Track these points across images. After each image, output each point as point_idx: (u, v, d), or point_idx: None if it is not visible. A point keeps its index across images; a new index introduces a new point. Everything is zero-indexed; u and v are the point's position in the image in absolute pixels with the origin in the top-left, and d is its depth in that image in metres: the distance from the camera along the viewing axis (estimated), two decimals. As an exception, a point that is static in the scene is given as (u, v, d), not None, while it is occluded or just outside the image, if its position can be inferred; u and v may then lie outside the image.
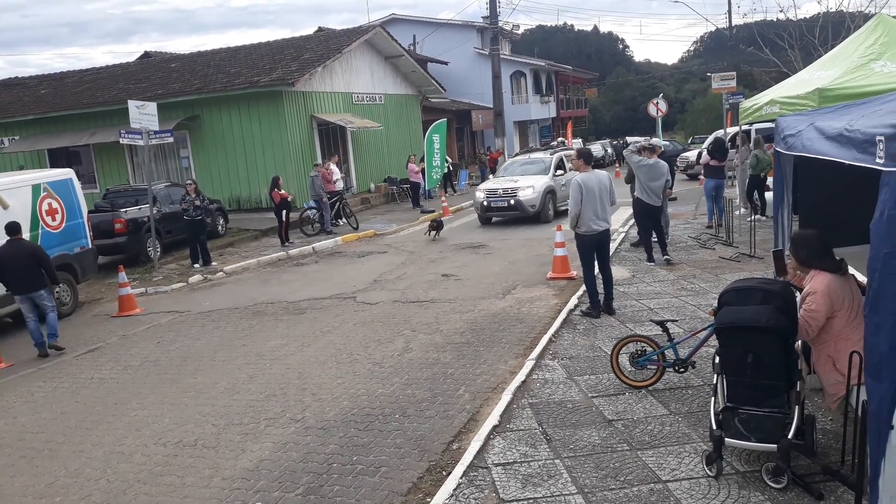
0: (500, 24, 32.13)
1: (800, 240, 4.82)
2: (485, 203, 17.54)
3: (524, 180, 17.43)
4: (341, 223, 19.23)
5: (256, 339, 9.24)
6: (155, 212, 15.20)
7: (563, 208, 16.77)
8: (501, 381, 6.82)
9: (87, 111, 23.07)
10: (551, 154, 18.98)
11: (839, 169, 3.73)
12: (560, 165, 18.51)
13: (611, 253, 9.40)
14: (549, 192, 17.52)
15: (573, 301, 9.30)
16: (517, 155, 20.98)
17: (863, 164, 3.29)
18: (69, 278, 12.13)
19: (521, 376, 6.68)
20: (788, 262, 5.18)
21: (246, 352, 8.72)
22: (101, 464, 5.88)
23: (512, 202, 17.04)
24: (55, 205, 11.93)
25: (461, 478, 4.85)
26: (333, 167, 19.76)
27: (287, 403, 6.79)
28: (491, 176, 19.04)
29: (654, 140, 23.60)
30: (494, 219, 17.91)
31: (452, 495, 4.65)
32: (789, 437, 4.23)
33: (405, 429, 5.91)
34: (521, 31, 61.57)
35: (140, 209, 15.71)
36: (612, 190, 8.58)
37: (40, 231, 11.51)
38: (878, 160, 3.10)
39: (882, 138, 3.06)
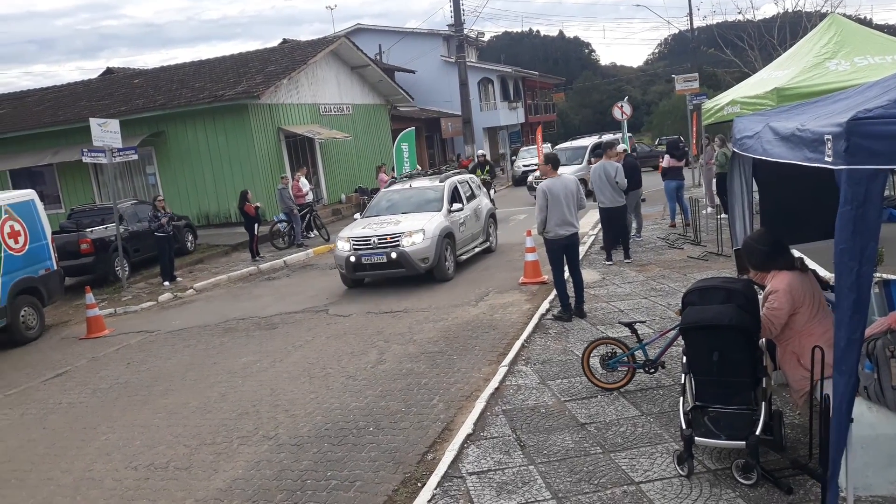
0: (466, 31, 32.30)
1: (749, 248, 4.84)
2: (352, 259, 11.85)
3: (409, 221, 12.15)
4: (312, 235, 19.13)
5: (228, 357, 9.14)
6: (122, 230, 15.00)
7: (464, 257, 13.12)
8: (475, 388, 6.82)
9: (49, 130, 22.69)
10: (441, 181, 13.55)
11: (799, 165, 3.80)
12: (456, 196, 13.35)
13: (581, 256, 9.48)
14: (447, 237, 12.28)
15: (545, 305, 9.34)
16: (393, 183, 14.98)
17: (814, 164, 3.36)
18: (34, 301, 11.90)
19: (494, 383, 6.68)
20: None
21: (217, 370, 8.63)
22: (71, 491, 5.77)
23: (393, 255, 11.62)
24: (17, 227, 11.69)
25: (436, 488, 4.84)
26: (303, 180, 19.67)
27: (260, 421, 6.72)
28: (358, 216, 14.01)
29: (606, 137, 23.85)
30: (367, 279, 12.65)
31: (427, 506, 4.64)
32: (757, 433, 4.29)
33: (379, 441, 5.89)
34: (486, 38, 61.86)
35: (106, 228, 15.47)
36: (579, 194, 8.66)
37: (2, 254, 11.27)
38: (826, 158, 3.16)
39: (830, 137, 3.12)
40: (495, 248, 14.71)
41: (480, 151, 24.70)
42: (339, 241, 12.41)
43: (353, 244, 11.98)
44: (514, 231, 16.73)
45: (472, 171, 19.27)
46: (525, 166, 31.53)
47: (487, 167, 22.08)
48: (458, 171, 15.76)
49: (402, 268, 11.75)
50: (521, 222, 18.37)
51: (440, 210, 12.62)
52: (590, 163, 20.59)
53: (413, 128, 24.53)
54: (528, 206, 21.57)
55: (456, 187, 13.56)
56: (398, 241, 11.73)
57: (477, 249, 13.84)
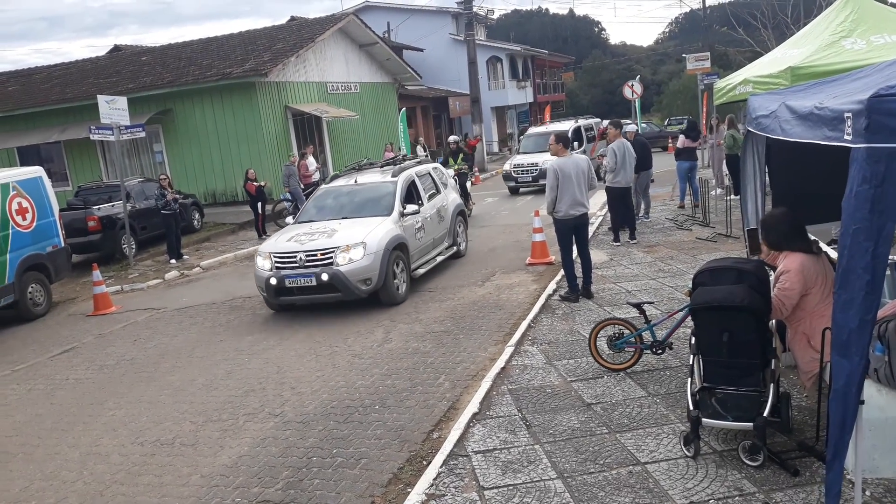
0: (475, 9, 32.00)
1: (770, 224, 4.77)
2: (273, 281, 9.31)
3: (347, 231, 9.62)
4: (319, 214, 19.00)
5: (234, 334, 9.15)
6: (129, 208, 15.00)
7: (423, 271, 10.64)
8: (481, 368, 6.80)
9: (57, 107, 22.64)
10: (394, 175, 10.87)
11: (812, 145, 3.73)
12: (411, 195, 10.90)
13: (589, 236, 9.41)
14: (397, 248, 9.77)
15: (552, 286, 9.30)
16: (334, 178, 11.97)
17: (833, 143, 3.28)
18: (42, 278, 11.94)
19: (500, 363, 6.67)
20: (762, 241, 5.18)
21: (224, 347, 8.64)
22: (78, 465, 5.80)
23: (325, 277, 9.10)
24: (25, 204, 11.71)
25: (441, 467, 4.84)
26: (310, 159, 19.59)
27: (266, 398, 6.73)
28: (290, 220, 11.86)
29: (582, 122, 23.16)
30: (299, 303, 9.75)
31: (433, 484, 4.63)
32: (765, 415, 4.25)
33: (385, 420, 5.88)
34: (495, 16, 61.25)
35: (113, 206, 15.48)
36: (590, 174, 8.58)
37: (10, 231, 11.29)
38: (846, 137, 3.09)
39: (850, 115, 3.05)
40: (465, 252, 12.42)
41: (453, 137, 20.74)
42: (258, 257, 9.78)
43: (276, 262, 9.41)
44: (522, 211, 16.66)
45: (444, 162, 17.02)
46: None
47: (461, 155, 18.34)
48: (417, 160, 12.87)
49: (338, 291, 9.23)
50: (529, 202, 18.29)
51: (390, 214, 10.06)
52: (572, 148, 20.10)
53: (403, 109, 24.76)
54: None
55: (413, 181, 11.10)
56: (331, 257, 9.20)
57: (440, 258, 11.38)
